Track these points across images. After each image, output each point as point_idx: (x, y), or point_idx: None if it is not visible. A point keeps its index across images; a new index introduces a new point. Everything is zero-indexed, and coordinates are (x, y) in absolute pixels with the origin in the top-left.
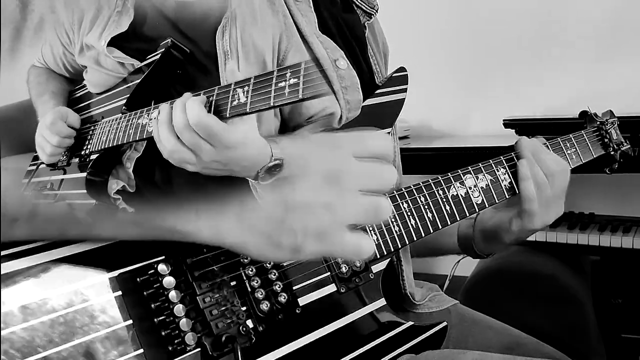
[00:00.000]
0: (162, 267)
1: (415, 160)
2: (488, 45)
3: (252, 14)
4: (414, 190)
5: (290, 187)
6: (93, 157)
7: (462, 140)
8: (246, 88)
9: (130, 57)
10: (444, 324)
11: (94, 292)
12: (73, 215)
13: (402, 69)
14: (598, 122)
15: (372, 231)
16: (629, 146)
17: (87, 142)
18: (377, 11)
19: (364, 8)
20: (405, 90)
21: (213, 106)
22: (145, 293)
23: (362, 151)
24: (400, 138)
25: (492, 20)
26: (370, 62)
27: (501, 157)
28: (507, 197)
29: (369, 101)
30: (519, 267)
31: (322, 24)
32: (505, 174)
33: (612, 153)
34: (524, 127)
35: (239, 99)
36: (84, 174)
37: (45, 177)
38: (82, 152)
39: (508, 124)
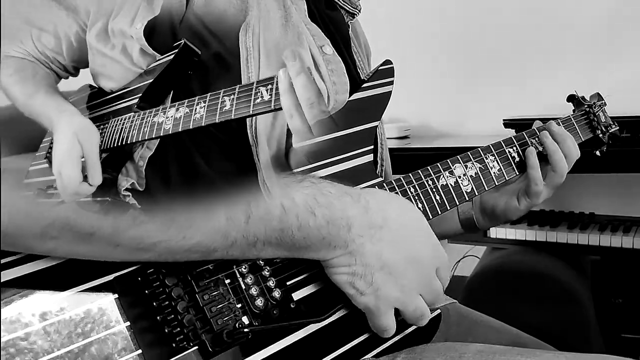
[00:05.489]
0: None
1: (415, 160)
2: (488, 45)
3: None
4: (403, 182)
5: (392, 249)
6: (104, 155)
7: (462, 140)
8: (270, 87)
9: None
10: (438, 312)
11: (93, 295)
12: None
13: (387, 62)
14: (586, 106)
15: None
16: (617, 128)
17: None
18: (359, 11)
19: (347, 8)
20: (391, 83)
21: (235, 103)
22: (146, 291)
23: (442, 274)
24: (400, 138)
25: (491, 20)
26: (355, 58)
27: (489, 144)
28: (497, 184)
29: (355, 95)
30: (519, 267)
31: (310, 15)
32: (494, 161)
33: (600, 136)
34: (524, 127)
35: (262, 97)
36: None
37: (51, 177)
38: None
39: (508, 123)
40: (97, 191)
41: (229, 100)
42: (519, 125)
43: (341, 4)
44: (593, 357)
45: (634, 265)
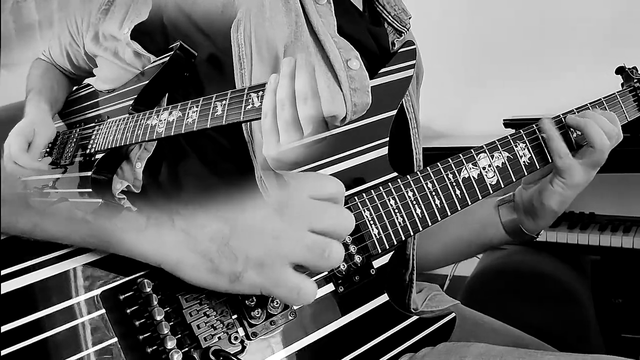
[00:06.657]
0: (145, 283)
1: None
2: (488, 46)
3: (264, 10)
4: (420, 177)
5: (239, 209)
6: (98, 156)
7: (462, 141)
8: (261, 93)
9: (146, 51)
10: (453, 315)
11: (79, 310)
12: (25, 199)
13: (409, 43)
14: (635, 80)
15: (373, 224)
16: None
17: (91, 141)
18: (408, 30)
19: (395, 26)
20: (413, 67)
21: (226, 109)
22: (128, 311)
23: (318, 192)
24: None
25: (492, 20)
26: None
27: (521, 130)
28: (526, 174)
29: (375, 81)
30: (519, 267)
31: (345, 30)
32: (524, 149)
33: None
34: (524, 127)
35: (253, 104)
36: (87, 173)
37: (46, 176)
38: (87, 151)
39: (508, 124)
40: (94, 193)
41: (221, 105)
42: (520, 125)
43: (390, 21)
44: (594, 357)
45: (634, 265)
